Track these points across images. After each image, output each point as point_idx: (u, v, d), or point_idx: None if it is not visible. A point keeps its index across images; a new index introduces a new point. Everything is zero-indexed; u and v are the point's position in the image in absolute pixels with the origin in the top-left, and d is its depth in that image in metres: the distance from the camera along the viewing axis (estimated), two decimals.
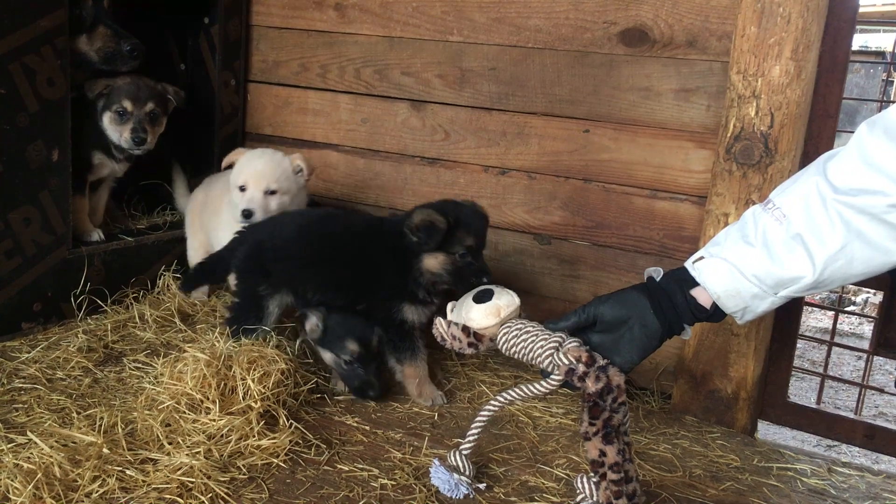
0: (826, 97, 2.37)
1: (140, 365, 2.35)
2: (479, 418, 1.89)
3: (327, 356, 2.36)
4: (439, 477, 1.83)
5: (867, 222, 1.55)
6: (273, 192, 2.62)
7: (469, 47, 2.84)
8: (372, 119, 3.08)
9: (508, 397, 1.86)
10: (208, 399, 2.01)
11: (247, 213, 2.58)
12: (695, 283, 1.76)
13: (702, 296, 1.76)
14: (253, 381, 2.07)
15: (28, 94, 2.40)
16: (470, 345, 1.85)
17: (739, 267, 1.69)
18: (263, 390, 2.06)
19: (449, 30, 2.87)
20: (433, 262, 2.26)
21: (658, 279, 1.84)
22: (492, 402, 1.88)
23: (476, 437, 1.89)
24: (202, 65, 3.16)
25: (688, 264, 1.79)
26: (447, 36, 2.87)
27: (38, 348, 2.41)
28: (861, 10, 2.36)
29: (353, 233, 2.44)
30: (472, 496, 1.83)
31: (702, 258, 1.77)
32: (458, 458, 1.85)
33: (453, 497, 1.82)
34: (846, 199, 1.56)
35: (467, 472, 1.83)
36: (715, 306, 1.76)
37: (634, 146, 2.63)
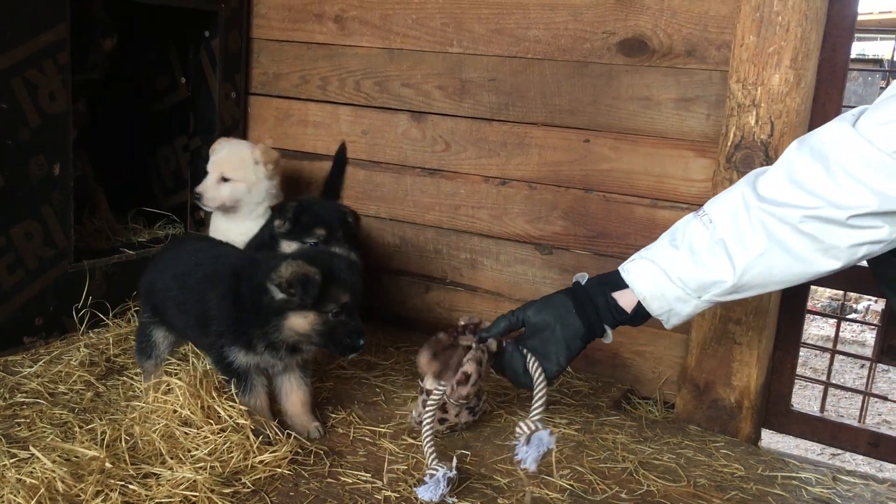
0: (826, 105, 2.37)
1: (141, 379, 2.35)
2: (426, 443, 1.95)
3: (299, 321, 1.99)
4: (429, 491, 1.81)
5: (788, 231, 1.63)
6: (227, 180, 2.70)
7: (469, 58, 2.85)
8: (372, 131, 3.08)
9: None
10: (198, 415, 2.01)
11: (196, 197, 2.69)
12: (620, 286, 1.84)
13: (623, 298, 1.85)
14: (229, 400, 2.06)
15: (30, 109, 2.41)
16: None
17: (665, 269, 1.77)
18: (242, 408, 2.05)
19: (448, 41, 2.88)
20: (301, 323, 1.95)
21: (583, 283, 1.92)
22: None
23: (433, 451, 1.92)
24: (203, 78, 3.17)
25: (620, 266, 1.87)
26: (447, 47, 2.88)
27: (40, 362, 2.40)
28: (858, 18, 2.36)
29: (211, 273, 2.13)
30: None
31: (633, 261, 1.86)
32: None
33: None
34: (769, 207, 1.65)
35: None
36: (637, 309, 1.83)
37: (635, 156, 2.63)
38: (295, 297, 1.92)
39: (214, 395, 2.07)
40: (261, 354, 2.04)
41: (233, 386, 2.06)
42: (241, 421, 2.00)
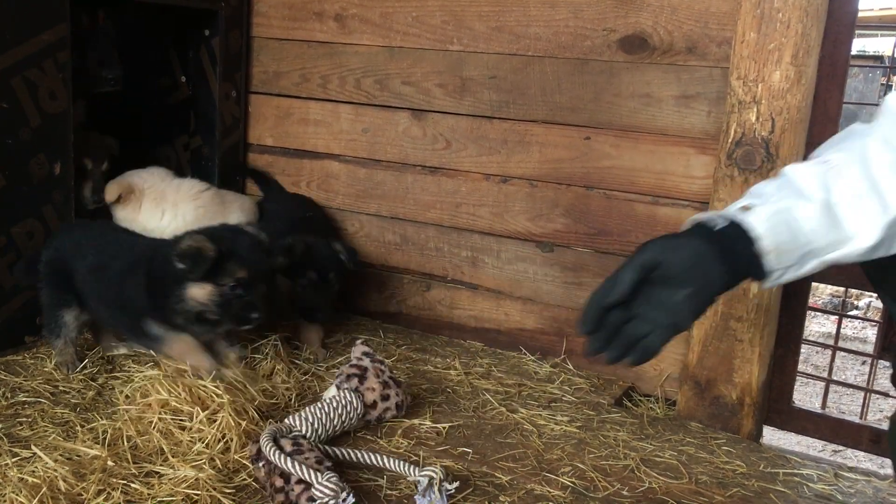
0: (826, 102, 2.37)
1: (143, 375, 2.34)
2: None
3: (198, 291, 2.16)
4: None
5: None
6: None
7: (469, 56, 2.85)
8: (373, 129, 3.08)
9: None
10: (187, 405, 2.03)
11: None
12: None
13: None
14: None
15: (30, 108, 2.41)
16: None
17: (799, 219, 1.48)
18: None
19: (449, 39, 2.87)
20: (199, 293, 2.12)
21: (716, 226, 1.54)
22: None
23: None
24: (203, 77, 3.17)
25: (733, 213, 1.53)
26: (447, 45, 2.88)
27: (41, 361, 2.41)
28: (859, 14, 2.36)
29: (122, 250, 2.31)
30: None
31: (750, 207, 1.54)
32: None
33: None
34: None
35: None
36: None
37: (636, 153, 2.63)
38: (187, 269, 2.06)
39: (192, 376, 2.13)
40: (177, 325, 2.17)
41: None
42: (224, 398, 2.04)
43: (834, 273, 2.46)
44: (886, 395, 3.03)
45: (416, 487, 1.81)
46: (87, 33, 2.80)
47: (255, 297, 2.14)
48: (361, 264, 2.89)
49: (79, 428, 2.01)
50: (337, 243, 2.71)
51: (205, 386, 2.08)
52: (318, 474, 1.69)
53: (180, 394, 2.04)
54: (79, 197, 2.80)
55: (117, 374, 2.38)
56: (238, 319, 2.15)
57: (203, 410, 2.01)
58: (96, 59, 2.83)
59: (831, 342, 2.91)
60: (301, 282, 2.58)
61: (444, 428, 2.23)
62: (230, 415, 2.00)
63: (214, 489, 1.78)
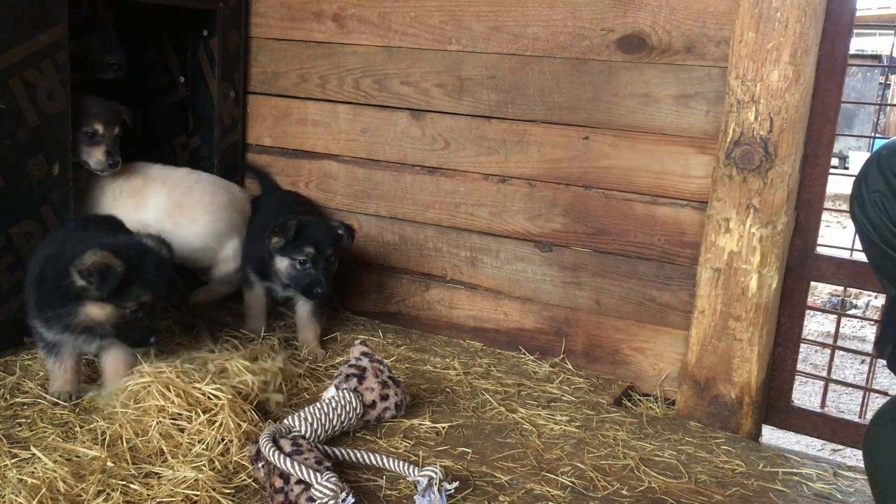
0: (825, 101, 2.37)
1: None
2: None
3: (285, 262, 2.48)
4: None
5: None
6: None
7: (468, 56, 2.85)
8: (371, 129, 3.08)
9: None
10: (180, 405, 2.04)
11: None
12: None
13: None
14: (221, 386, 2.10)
15: (28, 109, 2.40)
16: None
17: None
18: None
19: (447, 39, 2.87)
20: (97, 313, 2.00)
21: None
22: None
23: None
24: (202, 77, 3.17)
25: None
26: (446, 45, 2.88)
27: (40, 362, 2.40)
28: (857, 13, 2.36)
29: (40, 252, 2.20)
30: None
31: None
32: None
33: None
34: None
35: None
36: None
37: (634, 152, 2.63)
38: (92, 287, 1.94)
39: (186, 379, 2.11)
40: (59, 334, 2.09)
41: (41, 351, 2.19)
42: (221, 398, 2.05)
43: (833, 272, 2.47)
44: (885, 393, 3.02)
45: (416, 487, 1.81)
46: (88, 21, 2.78)
47: (154, 320, 2.05)
48: (358, 262, 2.90)
49: (78, 429, 2.01)
50: (334, 221, 2.76)
51: (201, 389, 2.07)
52: (318, 474, 1.69)
53: (174, 400, 2.03)
54: (84, 164, 2.77)
55: None
56: (133, 342, 2.07)
57: (203, 413, 2.01)
58: (98, 44, 2.80)
59: (830, 341, 2.91)
60: (299, 258, 2.58)
61: (443, 428, 2.23)
62: (230, 416, 2.00)
63: (214, 490, 1.78)
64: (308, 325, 2.76)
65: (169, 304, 2.45)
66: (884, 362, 1.71)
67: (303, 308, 2.77)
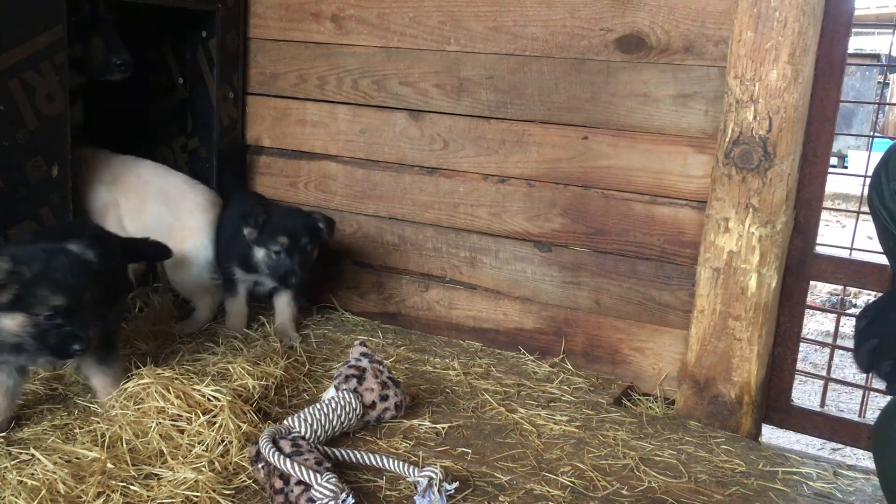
0: (823, 100, 2.37)
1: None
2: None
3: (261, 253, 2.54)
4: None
5: None
6: None
7: (466, 56, 2.85)
8: (370, 129, 3.08)
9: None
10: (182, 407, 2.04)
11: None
12: None
13: None
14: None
15: (27, 111, 2.40)
16: None
17: None
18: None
19: (446, 39, 2.87)
20: (9, 324, 1.87)
21: None
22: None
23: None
24: (200, 78, 3.17)
25: None
26: (444, 45, 2.88)
27: None
28: (855, 13, 2.37)
29: None
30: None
31: None
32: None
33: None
34: None
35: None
36: None
37: (633, 152, 2.63)
38: None
39: (185, 381, 2.12)
40: None
41: None
42: (221, 400, 2.05)
43: (832, 271, 2.47)
44: (885, 393, 3.02)
45: (416, 488, 1.82)
46: (90, 23, 2.78)
47: (77, 327, 1.90)
48: (357, 263, 2.90)
49: (77, 430, 2.01)
50: (315, 213, 2.79)
51: (201, 391, 2.07)
52: (318, 475, 1.69)
53: (174, 401, 2.03)
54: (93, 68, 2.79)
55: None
56: (55, 353, 1.92)
57: (203, 414, 2.01)
58: (102, 45, 2.80)
59: (830, 340, 2.91)
60: (273, 248, 2.64)
61: (443, 428, 2.23)
62: (230, 418, 2.00)
63: (214, 491, 1.78)
64: (285, 311, 2.87)
65: (117, 308, 2.33)
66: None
67: (281, 297, 2.88)
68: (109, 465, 1.83)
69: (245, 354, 2.52)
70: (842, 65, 2.36)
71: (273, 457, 1.77)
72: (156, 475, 1.83)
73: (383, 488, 1.88)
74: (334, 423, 2.03)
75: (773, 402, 2.57)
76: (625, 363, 2.74)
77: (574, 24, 2.66)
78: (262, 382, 2.29)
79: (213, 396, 2.06)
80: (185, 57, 3.22)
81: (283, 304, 2.88)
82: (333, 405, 2.05)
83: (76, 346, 1.90)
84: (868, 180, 1.81)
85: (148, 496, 1.75)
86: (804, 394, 4.18)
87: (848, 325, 5.61)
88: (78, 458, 1.86)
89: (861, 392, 3.04)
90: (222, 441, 1.96)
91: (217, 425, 1.99)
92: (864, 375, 2.70)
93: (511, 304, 2.92)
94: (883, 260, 2.03)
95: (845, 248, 2.55)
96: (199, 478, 1.80)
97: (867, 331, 1.64)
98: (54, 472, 1.76)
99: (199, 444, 1.94)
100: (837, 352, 3.01)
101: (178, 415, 2.01)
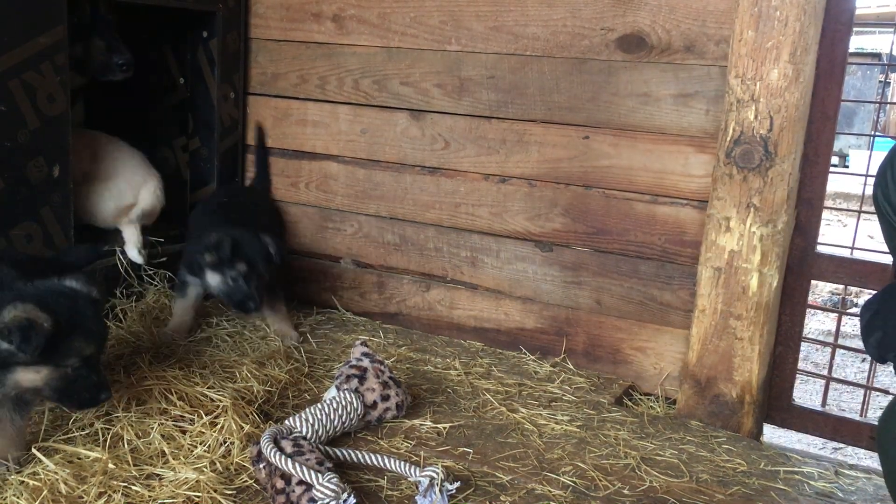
0: (825, 99, 2.37)
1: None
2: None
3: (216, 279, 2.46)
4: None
5: None
6: None
7: (467, 56, 2.85)
8: (371, 129, 3.08)
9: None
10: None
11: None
12: None
13: None
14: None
15: (28, 111, 2.40)
16: None
17: None
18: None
19: (447, 39, 2.87)
20: (32, 378, 1.68)
21: None
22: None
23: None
24: (201, 78, 3.17)
25: None
26: (445, 45, 2.88)
27: None
28: (856, 12, 2.36)
29: None
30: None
31: None
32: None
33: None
34: None
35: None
36: None
37: (634, 152, 2.63)
38: (13, 347, 1.62)
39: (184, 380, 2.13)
40: None
41: None
42: (224, 400, 2.05)
43: (833, 270, 2.46)
44: (886, 392, 3.03)
45: (417, 488, 1.81)
46: (90, 23, 2.78)
47: (102, 373, 1.78)
48: (358, 263, 2.88)
49: (79, 431, 2.01)
50: (266, 236, 2.68)
51: (203, 391, 2.08)
52: (319, 475, 1.69)
53: (176, 402, 2.04)
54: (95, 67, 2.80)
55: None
56: (80, 403, 1.78)
57: (205, 414, 2.01)
58: (104, 46, 2.80)
59: (831, 340, 2.91)
60: (230, 274, 2.57)
61: (444, 428, 2.23)
62: (232, 418, 2.01)
63: (215, 491, 1.78)
64: (275, 312, 2.84)
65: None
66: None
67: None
68: (111, 466, 1.83)
69: (251, 355, 2.52)
70: (843, 64, 2.35)
71: (274, 457, 1.77)
72: (157, 475, 1.83)
73: (385, 488, 1.88)
74: (336, 423, 2.03)
75: (775, 401, 2.56)
76: (626, 363, 2.74)
77: (575, 23, 2.66)
78: (267, 388, 2.30)
79: (216, 397, 2.06)
80: (186, 57, 3.22)
81: (271, 308, 2.82)
82: (335, 405, 2.05)
83: (103, 394, 1.78)
84: (869, 179, 1.82)
85: (149, 496, 1.75)
86: (805, 393, 4.17)
87: (849, 325, 5.61)
88: (79, 458, 1.86)
89: (862, 391, 3.04)
90: (224, 441, 1.97)
91: (219, 426, 1.99)
92: (865, 375, 2.70)
93: (512, 303, 2.92)
94: (884, 259, 2.03)
95: (846, 247, 2.55)
96: (200, 478, 1.80)
97: (871, 323, 1.65)
98: (56, 473, 1.76)
99: (200, 444, 1.94)
100: (839, 351, 3.01)
101: (181, 415, 2.01)
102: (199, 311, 2.83)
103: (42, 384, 1.69)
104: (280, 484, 1.74)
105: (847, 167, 10.78)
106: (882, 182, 1.67)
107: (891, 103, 9.86)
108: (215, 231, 2.59)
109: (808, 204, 2.44)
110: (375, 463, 1.95)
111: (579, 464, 2.09)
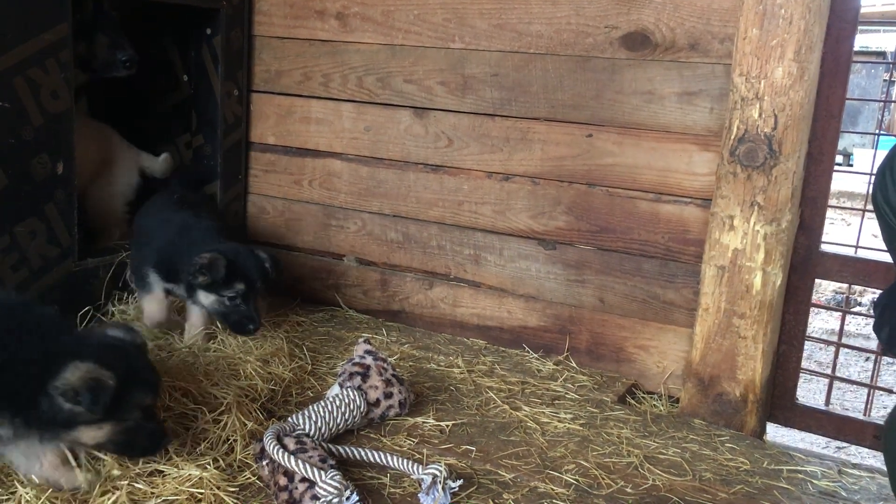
0: (829, 98, 2.37)
1: None
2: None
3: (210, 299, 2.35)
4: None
5: None
6: None
7: (471, 54, 2.85)
8: (375, 127, 3.08)
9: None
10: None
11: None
12: None
13: None
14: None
15: (32, 108, 2.41)
16: None
17: None
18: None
19: (450, 37, 2.87)
20: (96, 435, 1.66)
21: None
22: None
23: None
24: (205, 75, 3.17)
25: None
26: (449, 43, 2.88)
27: None
28: (861, 10, 2.36)
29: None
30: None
31: None
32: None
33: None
34: None
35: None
36: None
37: (638, 150, 2.63)
38: (80, 407, 1.59)
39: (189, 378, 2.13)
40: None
41: None
42: (228, 398, 2.05)
43: (837, 269, 2.46)
44: (890, 391, 3.03)
45: (420, 485, 1.82)
46: (94, 20, 2.79)
47: (160, 423, 1.78)
48: (361, 260, 2.85)
49: None
50: (260, 251, 2.52)
51: (207, 388, 2.08)
52: (322, 472, 1.70)
53: (180, 399, 2.04)
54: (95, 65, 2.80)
55: None
56: (141, 452, 1.76)
57: (209, 412, 2.01)
58: (107, 42, 2.80)
59: (835, 339, 2.90)
60: (228, 294, 2.38)
61: (447, 426, 2.23)
62: (236, 415, 2.01)
63: (218, 488, 1.78)
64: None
65: None
66: (889, 360, 1.73)
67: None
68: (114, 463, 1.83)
69: (255, 353, 2.52)
70: (847, 62, 2.35)
71: (277, 454, 1.77)
72: (160, 472, 1.84)
73: (387, 486, 1.89)
74: (338, 420, 2.03)
75: (778, 400, 2.56)
76: (629, 361, 2.74)
77: (579, 21, 2.65)
78: (271, 385, 2.30)
79: (220, 395, 2.06)
80: (190, 54, 3.22)
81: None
82: (338, 403, 2.06)
83: (164, 440, 1.76)
84: (873, 178, 1.82)
85: (152, 493, 1.75)
86: (809, 392, 4.17)
87: (853, 324, 5.61)
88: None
89: (866, 390, 3.03)
90: (227, 438, 1.97)
91: (222, 423, 2.00)
92: (869, 374, 2.70)
93: (515, 301, 2.91)
94: (888, 258, 2.02)
95: (851, 246, 2.55)
96: (203, 475, 1.81)
97: (881, 319, 1.67)
98: None
99: (204, 441, 1.95)
100: (842, 350, 3.00)
101: (184, 412, 2.02)
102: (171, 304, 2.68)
103: (105, 440, 1.68)
104: (283, 481, 1.74)
105: (851, 166, 10.77)
106: (881, 183, 1.67)
107: (895, 102, 9.83)
108: (207, 248, 2.39)
109: (812, 202, 2.44)
110: (378, 460, 1.95)
111: (582, 462, 2.09)
